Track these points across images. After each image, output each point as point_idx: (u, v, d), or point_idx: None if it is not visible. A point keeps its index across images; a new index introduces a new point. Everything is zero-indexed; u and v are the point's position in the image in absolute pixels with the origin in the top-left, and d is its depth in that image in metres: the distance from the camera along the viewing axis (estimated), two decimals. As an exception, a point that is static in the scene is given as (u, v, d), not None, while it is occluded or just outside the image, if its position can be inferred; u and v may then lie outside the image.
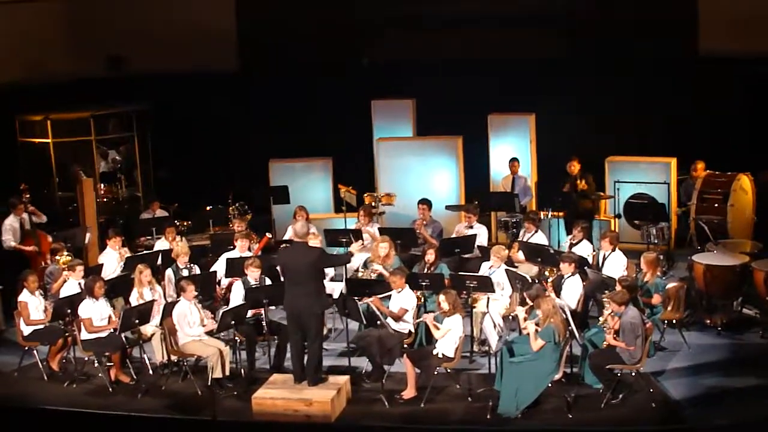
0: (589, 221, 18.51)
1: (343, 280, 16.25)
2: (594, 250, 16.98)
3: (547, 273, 16.25)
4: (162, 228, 18.58)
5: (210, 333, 15.29)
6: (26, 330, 15.95)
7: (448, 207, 20.01)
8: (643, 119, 21.31)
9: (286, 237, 18.42)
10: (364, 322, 15.39)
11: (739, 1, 21.41)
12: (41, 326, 15.95)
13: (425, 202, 18.74)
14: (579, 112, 21.16)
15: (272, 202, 20.76)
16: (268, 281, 16.03)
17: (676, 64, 21.49)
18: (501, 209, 19.94)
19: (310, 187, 21.18)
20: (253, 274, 15.84)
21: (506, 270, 15.96)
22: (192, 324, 15.18)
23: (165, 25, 23.79)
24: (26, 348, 16.06)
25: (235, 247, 17.30)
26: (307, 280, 14.27)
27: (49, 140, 22.03)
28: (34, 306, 15.97)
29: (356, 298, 15.44)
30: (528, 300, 14.56)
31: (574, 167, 19.53)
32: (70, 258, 17.29)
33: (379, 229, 18.32)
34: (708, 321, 16.34)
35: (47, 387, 15.61)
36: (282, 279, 15.71)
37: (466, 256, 17.34)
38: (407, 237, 17.91)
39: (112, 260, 17.49)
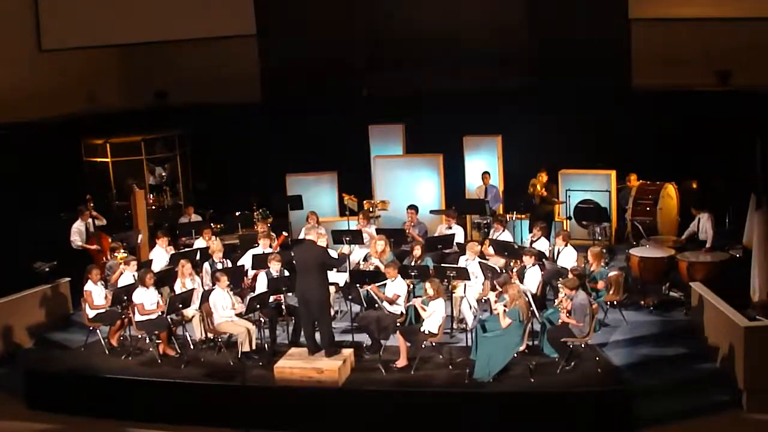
0: (548, 222, 18.44)
1: (347, 271, 16.21)
2: (550, 246, 16.94)
3: (512, 264, 16.22)
4: (200, 230, 18.53)
5: (239, 315, 15.31)
6: (91, 313, 15.94)
7: (432, 211, 19.92)
8: (588, 140, 21.24)
9: (300, 237, 18.33)
10: (365, 305, 15.43)
11: (664, 45, 21.44)
12: (103, 310, 15.95)
13: (413, 208, 18.70)
14: (537, 133, 21.09)
15: (289, 208, 20.73)
16: (286, 273, 15.99)
17: (614, 95, 21.46)
18: (474, 213, 19.89)
19: (319, 195, 21.04)
20: (274, 267, 15.81)
21: (479, 262, 15.94)
22: (225, 308, 15.18)
23: (201, 65, 23.74)
24: (91, 328, 16.06)
25: (259, 244, 17.25)
26: (313, 272, 14.25)
27: (108, 159, 21.97)
28: (97, 294, 15.97)
29: (358, 285, 15.49)
30: (497, 286, 14.58)
31: (543, 177, 19.47)
32: (126, 255, 17.28)
33: (375, 229, 18.27)
34: (642, 302, 16.32)
35: (108, 359, 15.59)
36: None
37: (447, 251, 17.30)
38: (399, 236, 17.91)
39: (160, 256, 17.45)
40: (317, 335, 14.55)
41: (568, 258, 16.20)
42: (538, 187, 19.51)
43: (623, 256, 17.70)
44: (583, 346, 14.16)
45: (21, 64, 21.17)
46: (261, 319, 15.44)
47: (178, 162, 23.09)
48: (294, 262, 14.94)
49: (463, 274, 15.32)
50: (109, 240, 18.28)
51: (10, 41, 21.01)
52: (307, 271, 14.33)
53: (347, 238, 17.33)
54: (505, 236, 17.51)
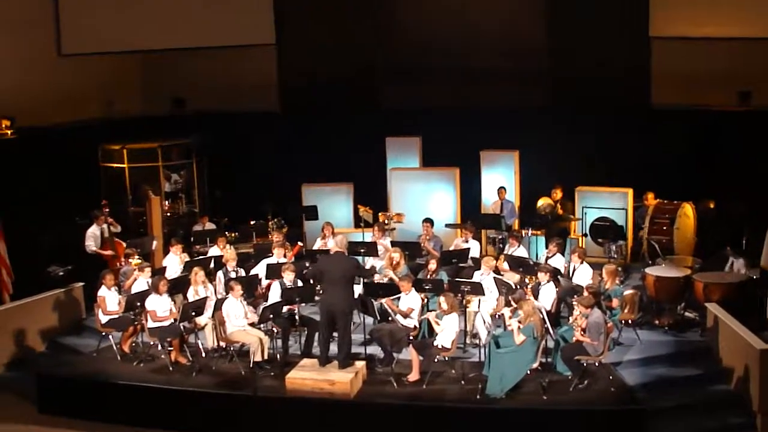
0: (563, 239, 18.38)
1: (361, 283, 16.20)
2: (566, 263, 16.89)
3: (527, 280, 16.17)
4: (215, 238, 18.57)
5: (252, 324, 15.32)
6: (104, 319, 15.99)
7: (447, 225, 19.91)
8: (605, 157, 21.21)
9: (315, 247, 18.37)
10: (378, 318, 15.39)
11: (684, 64, 21.38)
12: (116, 316, 15.99)
13: (429, 221, 18.70)
14: (554, 149, 21.09)
15: (304, 218, 20.78)
16: (300, 283, 15.99)
17: (633, 113, 21.44)
18: (489, 228, 19.83)
19: (334, 206, 21.06)
20: (288, 277, 15.80)
21: (494, 277, 15.91)
22: (238, 317, 15.19)
23: (219, 73, 23.81)
24: (103, 334, 16.13)
25: (273, 254, 17.25)
26: (342, 284, 14.29)
27: (124, 165, 21.97)
28: (110, 299, 16.03)
29: (372, 298, 15.45)
30: (512, 302, 14.53)
31: (557, 194, 19.46)
32: (140, 261, 17.33)
33: (390, 242, 18.26)
34: (657, 322, 16.24)
35: (120, 365, 15.65)
36: (311, 282, 15.74)
37: (462, 265, 17.28)
38: (414, 249, 17.86)
39: (174, 263, 17.46)
40: (333, 347, 14.53)
41: (583, 275, 16.14)
42: (553, 203, 19.45)
43: (639, 275, 17.63)
44: (596, 364, 14.13)
45: (40, 68, 21.24)
46: (274, 329, 15.44)
47: (194, 169, 23.12)
48: (321, 273, 14.89)
49: (478, 289, 15.28)
50: (124, 246, 18.32)
51: (30, 45, 21.10)
52: (337, 283, 14.36)
53: (362, 250, 17.32)
54: (521, 252, 17.48)
